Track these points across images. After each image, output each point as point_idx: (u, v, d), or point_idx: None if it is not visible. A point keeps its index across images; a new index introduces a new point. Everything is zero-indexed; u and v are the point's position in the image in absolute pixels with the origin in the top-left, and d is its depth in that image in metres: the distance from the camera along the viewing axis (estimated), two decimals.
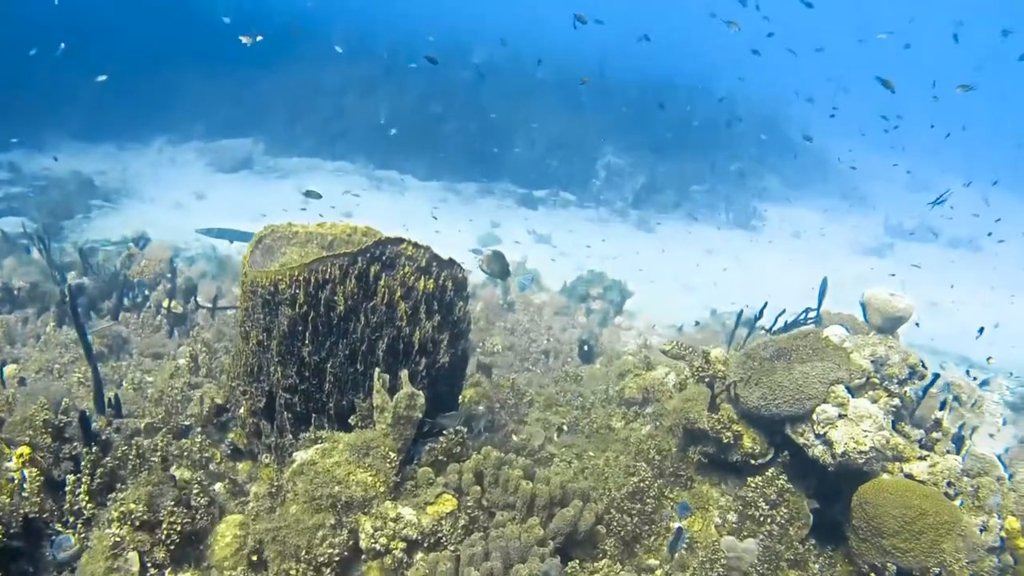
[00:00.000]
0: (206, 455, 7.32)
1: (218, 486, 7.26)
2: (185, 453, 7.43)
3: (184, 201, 25.10)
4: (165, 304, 12.89)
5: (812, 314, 13.44)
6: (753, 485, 6.96)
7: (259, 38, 17.65)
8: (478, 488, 6.11)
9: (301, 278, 6.46)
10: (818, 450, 6.72)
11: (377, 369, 6.43)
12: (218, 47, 30.40)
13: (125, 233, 19.52)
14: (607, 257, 24.50)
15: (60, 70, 27.27)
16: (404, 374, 6.44)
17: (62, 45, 22.95)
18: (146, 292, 13.39)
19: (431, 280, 6.87)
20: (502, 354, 13.69)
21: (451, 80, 35.10)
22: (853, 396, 6.90)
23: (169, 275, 13.64)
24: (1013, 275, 28.41)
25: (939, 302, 23.91)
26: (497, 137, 33.51)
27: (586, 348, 13.83)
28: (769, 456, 7.12)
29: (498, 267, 9.85)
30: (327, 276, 6.49)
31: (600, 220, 30.64)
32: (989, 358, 17.16)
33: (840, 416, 6.66)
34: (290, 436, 6.80)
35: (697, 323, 17.58)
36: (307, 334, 6.54)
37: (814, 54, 33.70)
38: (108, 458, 6.20)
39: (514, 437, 8.96)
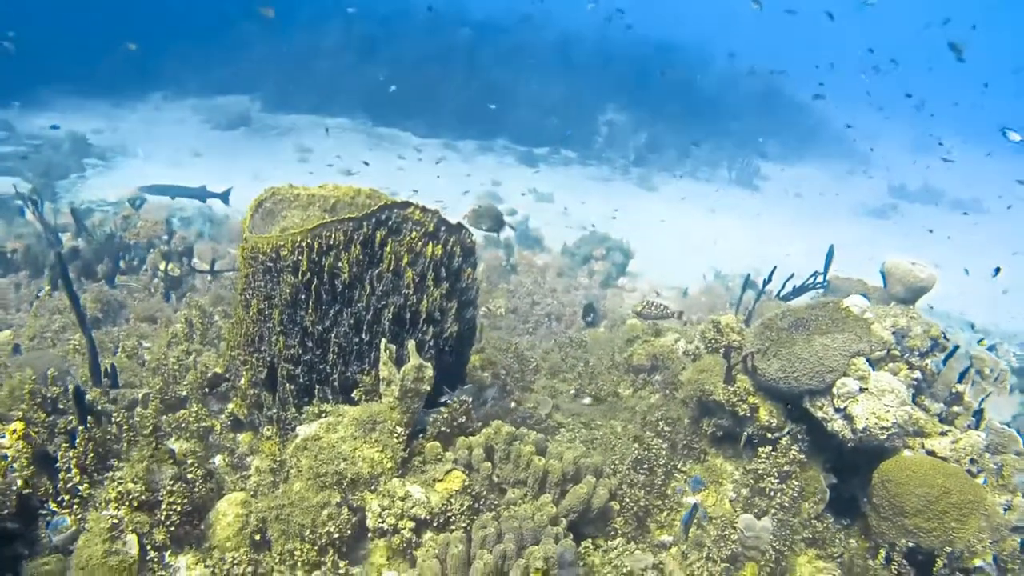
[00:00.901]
0: (204, 425, 7.11)
1: (218, 459, 7.05)
2: (183, 424, 7.23)
3: (181, 159, 24.71)
4: (161, 267, 12.65)
5: (820, 278, 13.24)
6: (764, 456, 6.75)
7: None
8: (488, 464, 5.90)
9: (304, 244, 6.19)
10: (837, 424, 6.50)
11: (383, 340, 6.19)
12: (215, 4, 30.00)
13: (121, 193, 19.20)
14: (609, 216, 24.20)
15: (56, 25, 26.81)
16: (411, 344, 6.20)
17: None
18: (142, 255, 13.11)
19: (439, 246, 6.61)
20: (505, 317, 13.48)
21: (451, 38, 34.63)
22: (874, 369, 6.68)
23: (166, 237, 13.36)
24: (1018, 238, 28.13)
25: (943, 264, 23.62)
26: (497, 95, 33.06)
27: (590, 312, 13.58)
28: (786, 429, 6.90)
29: (489, 221, 9.17)
30: (331, 242, 6.23)
31: (602, 178, 30.27)
32: (980, 340, 16.88)
33: (861, 390, 6.44)
34: (293, 409, 6.57)
35: (715, 276, 17.27)
36: (310, 303, 6.30)
37: (823, 20, 33.06)
38: (100, 432, 5.93)
39: (516, 405, 8.77)
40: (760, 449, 6.80)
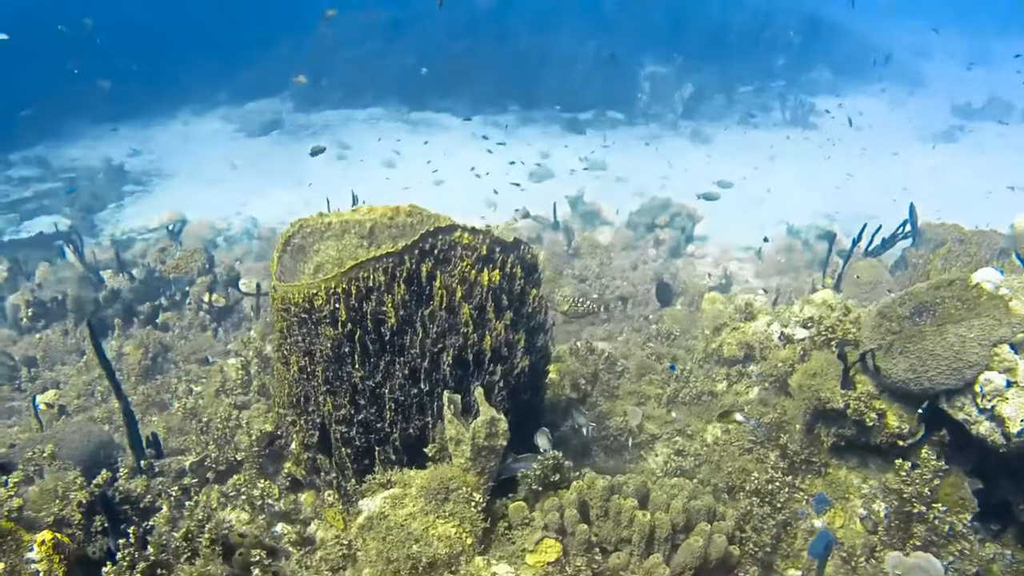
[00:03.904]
0: (270, 501, 6.38)
1: (280, 527, 6.33)
2: (242, 493, 6.51)
3: (218, 173, 24.04)
4: (206, 299, 11.94)
5: (908, 228, 12.18)
6: (904, 474, 5.72)
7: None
8: (584, 527, 5.02)
9: (340, 290, 5.37)
10: (984, 428, 5.50)
11: (446, 392, 5.34)
12: (230, 10, 29.28)
13: (163, 218, 18.60)
14: (665, 177, 23.04)
15: (76, 56, 26.32)
16: (479, 392, 5.35)
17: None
18: (184, 288, 12.40)
19: (496, 270, 5.71)
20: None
21: (474, 8, 33.46)
22: (1020, 356, 5.64)
23: (207, 264, 12.63)
24: None
25: None
26: (532, 63, 31.83)
27: (664, 291, 12.55)
28: (920, 435, 5.92)
29: None
30: (371, 283, 5.38)
31: (652, 136, 28.92)
32: None
33: (1009, 384, 5.43)
34: (352, 478, 5.75)
35: (765, 239, 15.94)
36: (355, 356, 5.47)
37: None
38: (150, 552, 5.09)
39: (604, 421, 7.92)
40: (899, 464, 5.79)
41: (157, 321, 11.68)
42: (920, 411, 5.82)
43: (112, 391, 7.14)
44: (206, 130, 29.35)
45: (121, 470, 6.76)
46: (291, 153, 26.22)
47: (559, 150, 25.95)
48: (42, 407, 9.53)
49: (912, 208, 12.28)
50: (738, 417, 6.75)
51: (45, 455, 7.02)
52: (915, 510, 5.54)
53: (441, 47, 31.44)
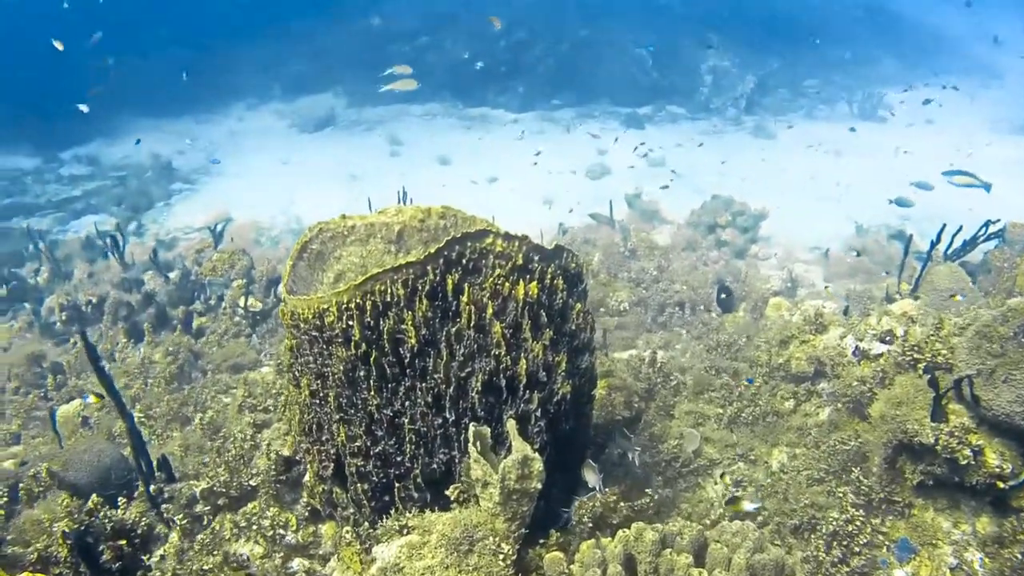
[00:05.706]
0: (282, 531, 5.77)
1: (296, 562, 5.71)
2: (253, 524, 5.91)
3: (269, 170, 23.57)
4: (241, 303, 11.39)
5: (995, 226, 11.24)
6: None
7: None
8: None
9: (353, 305, 4.69)
10: None
11: (472, 426, 4.64)
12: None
13: (209, 217, 18.18)
14: (727, 175, 22.04)
15: (124, 54, 26.17)
16: (511, 424, 4.65)
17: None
18: (220, 291, 11.87)
19: (533, 282, 4.99)
20: (630, 312, 11.80)
21: (530, 3, 32.72)
22: None
23: (246, 266, 12.09)
24: None
25: None
26: (589, 57, 30.96)
27: (725, 295, 11.72)
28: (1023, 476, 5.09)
29: None
30: (388, 298, 4.70)
31: (714, 132, 27.88)
32: None
33: None
34: (370, 517, 5.10)
35: (858, 254, 14.90)
36: (371, 381, 4.80)
37: None
38: None
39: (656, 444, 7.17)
40: None
41: (192, 326, 11.16)
42: (1006, 448, 4.98)
43: (116, 407, 6.55)
44: (259, 125, 28.97)
45: (121, 500, 6.17)
46: (344, 149, 25.75)
47: (617, 146, 25.08)
48: (84, 415, 9.11)
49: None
50: (747, 506, 5.98)
51: (43, 476, 6.49)
52: None
53: (496, 40, 30.75)
